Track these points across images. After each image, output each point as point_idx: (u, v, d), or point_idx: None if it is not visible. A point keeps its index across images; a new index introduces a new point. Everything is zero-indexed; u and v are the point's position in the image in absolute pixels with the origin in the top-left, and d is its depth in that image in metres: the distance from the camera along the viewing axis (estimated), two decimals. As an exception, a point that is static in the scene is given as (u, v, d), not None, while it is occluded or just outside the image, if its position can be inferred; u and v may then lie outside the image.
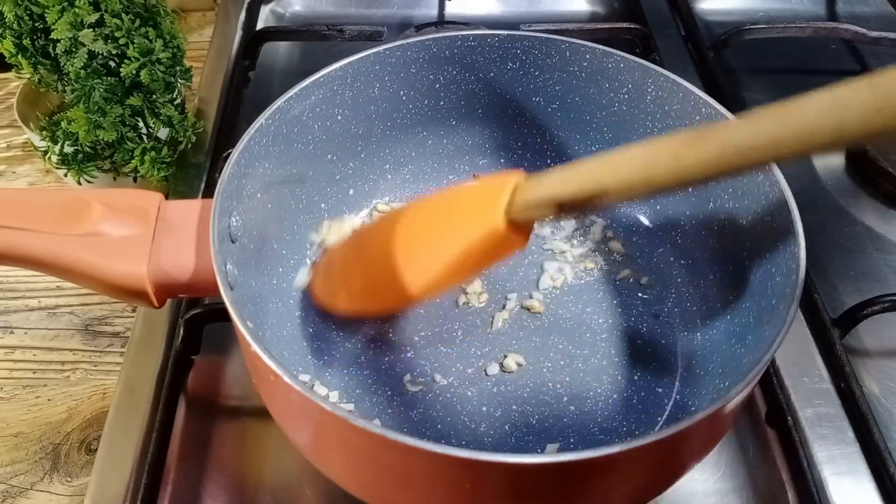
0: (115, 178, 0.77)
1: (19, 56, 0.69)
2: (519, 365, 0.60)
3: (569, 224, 0.70)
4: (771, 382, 0.61)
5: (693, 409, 0.56)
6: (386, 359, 0.61)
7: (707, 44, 0.91)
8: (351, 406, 0.58)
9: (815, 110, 0.35)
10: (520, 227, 0.49)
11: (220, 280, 0.46)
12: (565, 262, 0.67)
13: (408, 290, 0.53)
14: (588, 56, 0.63)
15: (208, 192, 0.74)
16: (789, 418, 0.59)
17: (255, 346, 0.42)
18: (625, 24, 0.93)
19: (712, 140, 0.39)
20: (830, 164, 0.83)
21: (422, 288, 0.53)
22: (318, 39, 0.92)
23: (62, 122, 0.69)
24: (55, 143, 0.71)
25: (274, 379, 0.41)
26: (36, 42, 0.69)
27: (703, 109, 0.58)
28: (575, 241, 0.69)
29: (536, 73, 0.66)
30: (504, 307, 0.64)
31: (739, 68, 0.93)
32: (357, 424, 0.38)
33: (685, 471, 0.49)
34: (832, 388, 0.61)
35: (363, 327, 0.63)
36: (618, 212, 0.69)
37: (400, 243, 0.55)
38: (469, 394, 0.59)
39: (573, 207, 0.46)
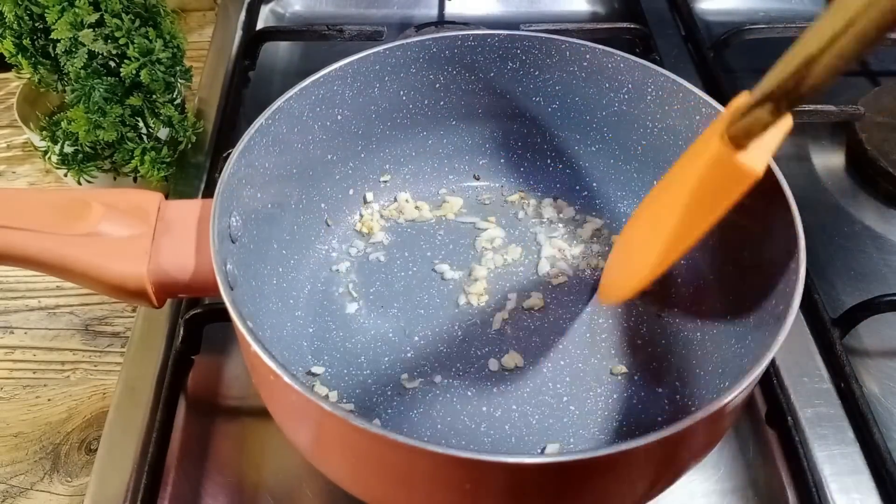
0: (115, 178, 0.77)
1: (19, 56, 0.69)
2: (519, 365, 0.60)
3: (567, 223, 0.70)
4: (771, 382, 0.61)
5: (693, 408, 0.55)
6: (386, 359, 0.61)
7: (707, 44, 0.91)
8: (351, 406, 0.58)
9: None
10: (746, 147, 0.43)
11: (221, 280, 0.46)
12: (564, 261, 0.67)
13: (660, 259, 0.49)
14: (588, 56, 0.63)
15: (208, 192, 0.74)
16: (789, 418, 0.59)
17: (255, 347, 0.42)
18: (625, 24, 0.93)
19: None
20: (830, 164, 0.83)
21: (667, 253, 0.49)
22: (318, 39, 0.92)
23: (62, 122, 0.69)
24: (55, 143, 0.71)
25: (274, 379, 0.41)
26: (36, 42, 0.69)
27: (704, 109, 0.58)
28: (574, 241, 0.69)
29: (536, 72, 0.66)
30: (504, 307, 0.64)
31: (739, 68, 0.93)
32: (357, 424, 0.38)
33: (685, 471, 0.49)
34: (832, 388, 0.61)
35: (364, 327, 0.63)
36: (617, 211, 0.69)
37: (650, 215, 0.53)
38: (469, 394, 0.59)
39: (787, 94, 0.39)
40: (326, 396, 0.58)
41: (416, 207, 0.71)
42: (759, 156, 0.43)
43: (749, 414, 0.62)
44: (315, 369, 0.60)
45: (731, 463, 0.59)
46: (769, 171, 0.52)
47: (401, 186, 0.72)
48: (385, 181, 0.71)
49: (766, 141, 0.43)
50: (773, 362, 0.62)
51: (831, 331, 0.64)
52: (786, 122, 0.42)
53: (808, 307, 0.66)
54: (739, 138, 0.43)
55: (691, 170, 0.46)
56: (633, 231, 0.56)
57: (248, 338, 0.42)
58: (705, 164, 0.44)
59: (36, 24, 0.68)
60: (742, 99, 0.44)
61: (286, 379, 0.40)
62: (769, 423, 0.61)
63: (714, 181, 0.45)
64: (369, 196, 0.70)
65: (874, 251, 0.75)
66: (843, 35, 0.35)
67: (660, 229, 0.50)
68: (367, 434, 0.38)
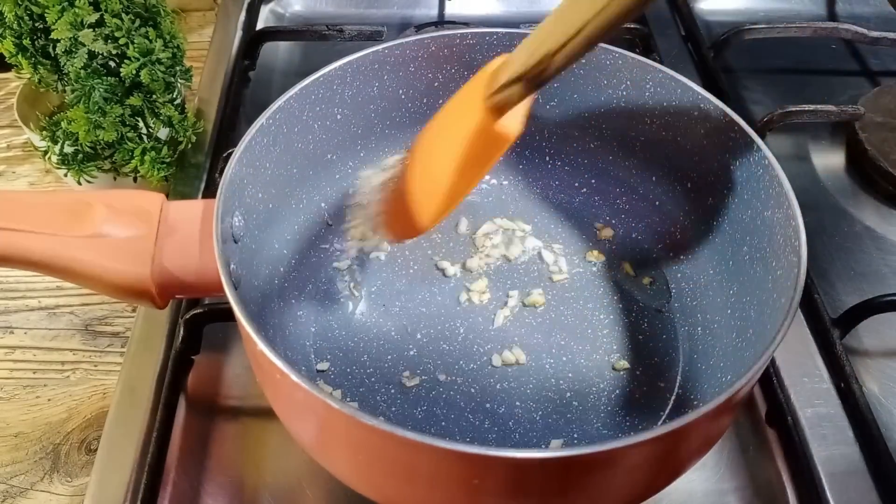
0: (115, 179, 0.77)
1: (19, 56, 0.69)
2: (521, 362, 0.61)
3: (566, 219, 0.70)
4: (771, 382, 0.61)
5: (696, 403, 0.56)
6: (389, 357, 0.61)
7: (707, 44, 0.91)
8: (355, 404, 0.58)
9: None
10: (504, 113, 0.49)
11: (225, 280, 0.45)
12: (564, 258, 0.68)
13: (425, 214, 0.54)
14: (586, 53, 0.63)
15: (208, 192, 0.74)
16: (789, 418, 0.59)
17: (261, 345, 0.41)
18: (625, 24, 0.92)
19: None
20: (830, 164, 0.83)
21: (434, 210, 0.54)
22: (318, 39, 0.92)
23: (62, 122, 0.69)
24: (55, 143, 0.71)
25: (280, 378, 0.41)
26: (36, 42, 0.69)
27: (702, 105, 0.58)
28: (573, 237, 0.69)
29: (535, 70, 0.66)
30: (506, 304, 0.64)
31: (739, 68, 0.93)
32: (366, 422, 0.38)
33: (688, 465, 0.49)
34: (832, 388, 0.61)
35: (366, 326, 0.63)
36: (616, 207, 0.70)
37: (418, 165, 0.55)
38: (472, 391, 0.59)
39: (534, 79, 0.45)
40: (331, 395, 0.58)
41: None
42: (515, 120, 0.50)
43: (749, 414, 0.62)
44: (319, 366, 0.60)
45: (731, 463, 0.59)
46: (769, 167, 0.53)
47: (400, 186, 0.72)
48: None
49: (519, 107, 0.50)
50: (773, 362, 0.62)
51: (831, 331, 0.64)
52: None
53: (808, 307, 0.66)
54: (498, 109, 0.49)
55: (460, 130, 0.52)
56: (411, 179, 0.58)
57: (255, 337, 0.42)
58: (473, 130, 0.50)
59: (36, 24, 0.68)
60: (497, 63, 0.49)
61: (293, 377, 0.40)
62: (769, 423, 0.61)
63: (481, 142, 0.51)
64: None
65: (874, 251, 0.75)
66: (574, 38, 0.42)
67: (437, 179, 0.54)
68: (376, 431, 0.38)
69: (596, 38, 0.42)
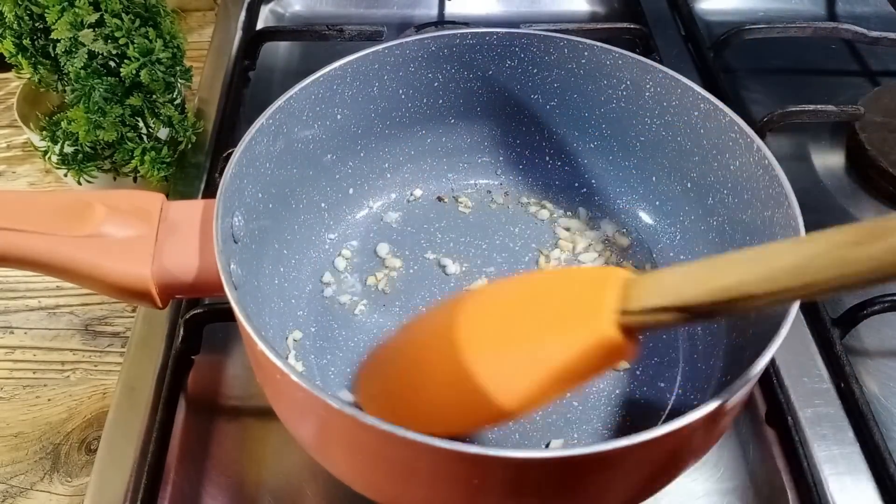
0: (115, 178, 0.77)
1: (19, 56, 0.69)
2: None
3: (565, 219, 0.70)
4: (771, 382, 0.61)
5: (696, 403, 0.56)
6: (388, 357, 0.61)
7: (707, 44, 0.91)
8: (354, 404, 0.58)
9: None
10: (632, 335, 0.41)
11: (225, 280, 0.45)
12: (563, 258, 0.68)
13: (490, 411, 0.44)
14: (586, 53, 0.63)
15: (208, 192, 0.74)
16: (789, 418, 0.59)
17: (261, 346, 0.41)
18: (625, 24, 0.93)
19: (891, 238, 0.32)
20: (830, 164, 0.83)
21: (512, 408, 0.44)
22: (318, 39, 0.92)
23: (62, 122, 0.69)
24: (55, 143, 0.71)
25: (280, 378, 0.41)
26: (36, 42, 0.69)
27: (702, 105, 0.58)
28: (573, 237, 0.69)
29: (535, 70, 0.66)
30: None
31: (739, 68, 0.93)
32: (366, 422, 0.38)
33: (687, 466, 0.49)
34: (832, 388, 0.61)
35: (366, 326, 0.63)
36: (615, 207, 0.70)
37: (471, 346, 0.45)
38: (471, 391, 0.59)
39: (705, 313, 0.38)
40: (331, 394, 0.58)
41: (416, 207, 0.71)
42: (635, 341, 0.42)
43: (749, 414, 0.62)
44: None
45: (731, 463, 0.59)
46: (769, 167, 0.53)
47: (400, 185, 0.72)
48: (384, 180, 0.71)
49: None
50: (773, 362, 0.62)
51: (831, 331, 0.64)
52: None
53: (808, 307, 0.66)
54: (630, 328, 0.41)
55: (566, 331, 0.43)
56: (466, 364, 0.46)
57: (255, 337, 0.42)
58: (593, 343, 0.41)
59: (36, 24, 0.68)
60: (626, 275, 0.42)
61: (293, 377, 0.40)
62: (769, 423, 0.61)
63: (595, 357, 0.42)
64: (369, 195, 0.70)
65: (874, 251, 0.75)
66: (796, 290, 0.35)
67: (505, 378, 0.44)
68: (376, 431, 0.38)
69: (826, 294, 0.36)
